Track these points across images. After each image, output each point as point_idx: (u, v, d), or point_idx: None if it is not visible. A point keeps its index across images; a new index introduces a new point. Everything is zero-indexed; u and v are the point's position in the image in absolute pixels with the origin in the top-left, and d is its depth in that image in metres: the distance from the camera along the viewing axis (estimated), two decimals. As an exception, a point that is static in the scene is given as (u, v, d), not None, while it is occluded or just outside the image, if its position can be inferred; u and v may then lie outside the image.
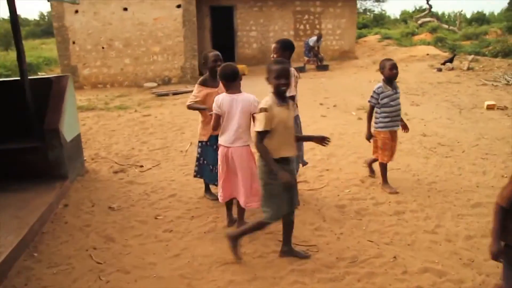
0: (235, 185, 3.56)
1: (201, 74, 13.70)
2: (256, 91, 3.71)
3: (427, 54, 16.23)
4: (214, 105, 3.47)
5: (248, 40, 17.17)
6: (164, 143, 6.57)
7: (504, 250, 2.21)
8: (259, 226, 3.23)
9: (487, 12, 33.76)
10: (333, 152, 5.86)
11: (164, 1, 12.27)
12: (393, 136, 4.55)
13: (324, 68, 15.46)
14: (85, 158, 5.58)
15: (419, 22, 29.71)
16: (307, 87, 11.04)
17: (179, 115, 8.41)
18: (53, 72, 15.45)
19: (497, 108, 8.20)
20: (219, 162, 3.57)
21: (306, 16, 17.26)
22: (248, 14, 16.87)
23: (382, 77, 4.45)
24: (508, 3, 38.20)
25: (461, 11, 34.49)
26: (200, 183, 4.88)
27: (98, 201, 4.46)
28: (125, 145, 6.55)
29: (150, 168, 5.48)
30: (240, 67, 15.62)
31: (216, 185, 4.11)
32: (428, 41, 19.51)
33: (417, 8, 37.37)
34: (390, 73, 4.35)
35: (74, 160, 5.07)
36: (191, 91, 4.41)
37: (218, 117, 3.48)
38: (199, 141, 4.32)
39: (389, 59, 4.47)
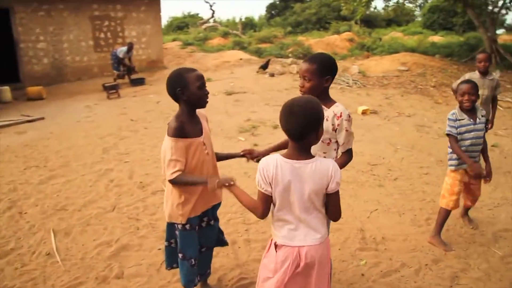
0: None
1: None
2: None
3: (241, 59, 16.15)
4: (258, 177, 1.96)
5: (36, 54, 13.62)
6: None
7: None
8: None
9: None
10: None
11: None
12: (469, 176, 3.51)
13: (141, 82, 13.41)
14: None
15: (203, 27, 30.26)
16: (144, 109, 9.03)
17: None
18: None
19: (370, 113, 8.28)
20: (273, 269, 2.02)
21: (107, 23, 14.81)
22: (32, 20, 13.34)
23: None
24: (266, 11, 43.22)
25: (241, 17, 36.90)
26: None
27: None
28: None
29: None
30: (35, 89, 12.26)
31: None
32: (232, 46, 19.63)
33: (186, 13, 38.13)
34: (460, 100, 3.36)
35: None
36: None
37: (269, 199, 1.99)
38: (173, 223, 2.59)
39: (465, 82, 3.40)
